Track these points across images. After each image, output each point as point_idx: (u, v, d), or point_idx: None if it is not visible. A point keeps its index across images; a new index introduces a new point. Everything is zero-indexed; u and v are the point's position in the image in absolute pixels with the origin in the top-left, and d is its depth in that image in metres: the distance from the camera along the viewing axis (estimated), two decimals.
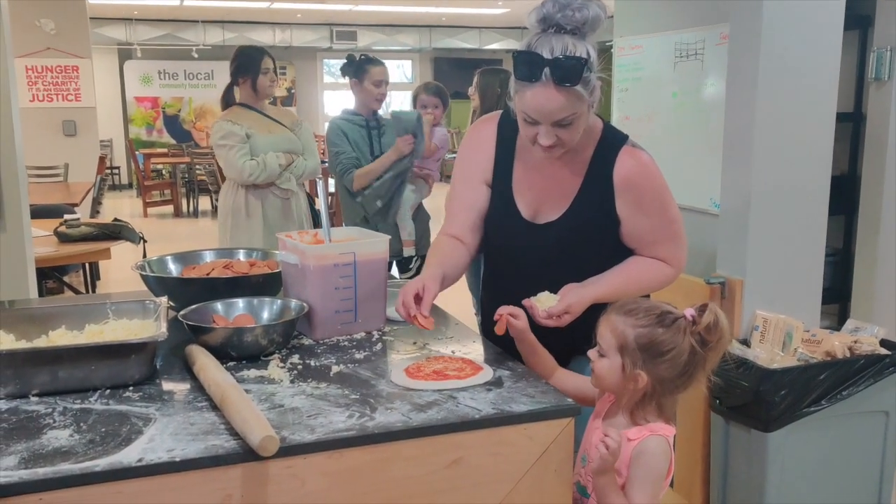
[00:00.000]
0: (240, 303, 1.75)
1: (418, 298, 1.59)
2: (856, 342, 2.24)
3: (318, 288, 1.74)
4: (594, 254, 1.74)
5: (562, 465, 1.40)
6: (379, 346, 1.73)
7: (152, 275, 1.90)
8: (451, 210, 1.84)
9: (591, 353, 1.48)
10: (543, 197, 1.75)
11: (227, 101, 3.51)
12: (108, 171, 14.00)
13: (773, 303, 2.35)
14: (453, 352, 1.68)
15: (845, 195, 3.91)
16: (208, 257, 2.08)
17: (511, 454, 1.36)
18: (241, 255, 2.10)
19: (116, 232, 4.16)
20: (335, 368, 1.57)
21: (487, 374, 1.53)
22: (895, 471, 2.29)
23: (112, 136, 13.71)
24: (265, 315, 1.75)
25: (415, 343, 1.75)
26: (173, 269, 2.02)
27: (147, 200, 10.63)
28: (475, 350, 1.70)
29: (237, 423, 1.24)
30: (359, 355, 1.66)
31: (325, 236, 1.87)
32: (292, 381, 1.50)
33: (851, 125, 3.86)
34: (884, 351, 2.22)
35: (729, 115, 2.39)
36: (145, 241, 4.36)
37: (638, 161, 1.68)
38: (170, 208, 10.87)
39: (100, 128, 11.75)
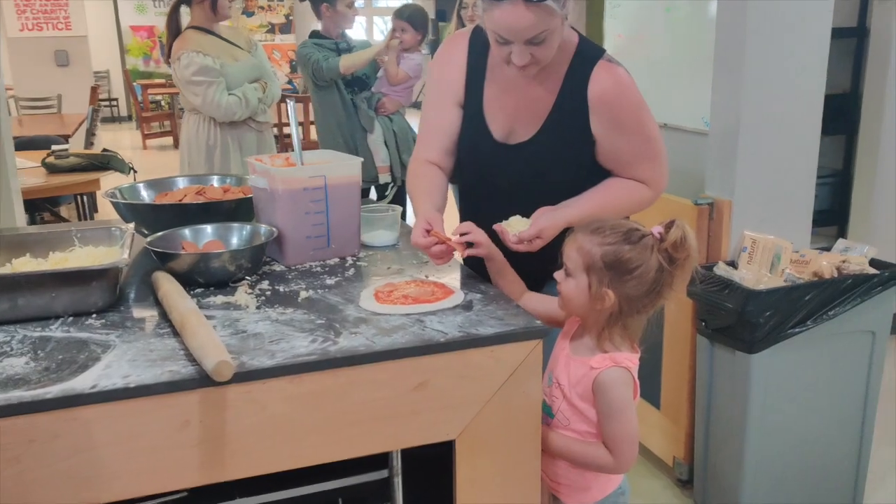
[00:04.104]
0: (208, 229, 1.72)
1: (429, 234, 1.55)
2: (844, 262, 2.20)
3: (288, 213, 1.70)
4: (570, 175, 1.69)
5: (530, 387, 1.38)
6: (352, 271, 1.70)
7: (123, 202, 1.87)
8: (424, 134, 1.79)
9: (558, 275, 1.45)
10: (516, 117, 1.69)
11: (176, 25, 3.25)
12: (107, 103, 13.86)
13: (763, 224, 2.30)
14: (427, 276, 1.65)
15: (847, 114, 3.82)
16: (181, 184, 2.04)
17: (478, 377, 1.35)
18: (215, 182, 2.06)
19: (105, 162, 4.12)
20: (304, 294, 1.54)
21: (458, 297, 1.50)
22: (880, 391, 2.28)
23: (109, 67, 13.50)
24: (234, 241, 1.71)
25: (389, 268, 1.73)
26: (146, 196, 1.99)
27: (146, 132, 10.53)
28: (450, 274, 1.67)
29: (193, 348, 1.22)
30: (330, 281, 1.63)
31: (297, 159, 1.82)
32: (258, 307, 1.47)
33: (855, 41, 3.74)
34: (872, 270, 2.18)
35: (720, 29, 2.29)
36: (135, 172, 4.31)
37: (614, 77, 1.62)
38: (169, 139, 10.77)
39: (96, 59, 11.54)
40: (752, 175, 2.27)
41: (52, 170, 4.02)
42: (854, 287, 2.13)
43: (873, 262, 2.24)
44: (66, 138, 5.25)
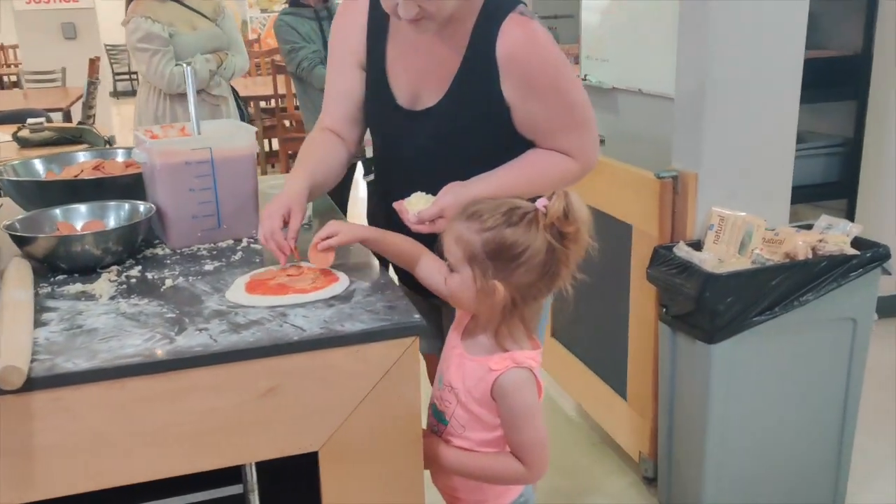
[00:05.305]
0: (82, 208, 1.56)
1: (285, 224, 1.36)
2: (820, 241, 1.97)
3: (169, 190, 1.53)
4: (483, 146, 1.48)
5: (407, 391, 1.20)
6: (239, 255, 1.52)
7: (8, 179, 1.71)
8: (326, 100, 1.60)
9: (442, 271, 1.26)
10: (421, 80, 1.49)
11: None
12: (126, 76, 13.82)
13: (734, 199, 2.07)
14: None
15: (857, 78, 3.53)
16: (82, 158, 1.87)
17: (342, 380, 1.17)
18: (119, 156, 1.89)
19: (78, 136, 3.98)
20: (169, 282, 1.37)
21: (339, 287, 1.32)
22: (862, 385, 2.06)
23: None
24: (111, 221, 1.55)
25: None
26: (42, 171, 1.83)
27: None
28: (347, 257, 1.49)
29: None
30: (209, 266, 1.46)
31: (193, 129, 1.65)
32: (112, 298, 1.31)
33: None
34: (852, 251, 1.95)
35: None
36: (111, 146, 4.18)
37: (526, 32, 1.40)
38: None
39: (116, 33, 11.45)
40: (721, 145, 2.05)
41: (23, 144, 3.89)
42: (830, 269, 1.90)
43: (856, 242, 2.00)
44: (51, 111, 5.14)
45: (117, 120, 9.60)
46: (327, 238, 1.35)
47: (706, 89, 2.01)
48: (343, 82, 1.57)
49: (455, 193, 1.40)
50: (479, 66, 1.43)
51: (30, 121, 4.12)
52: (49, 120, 4.61)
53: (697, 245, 2.05)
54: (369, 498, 1.23)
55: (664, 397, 2.14)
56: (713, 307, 1.85)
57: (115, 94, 12.51)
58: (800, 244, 1.96)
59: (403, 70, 1.51)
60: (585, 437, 2.63)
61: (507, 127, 1.48)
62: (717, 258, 1.95)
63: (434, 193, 1.44)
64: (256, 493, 1.23)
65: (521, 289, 1.20)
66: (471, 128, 1.47)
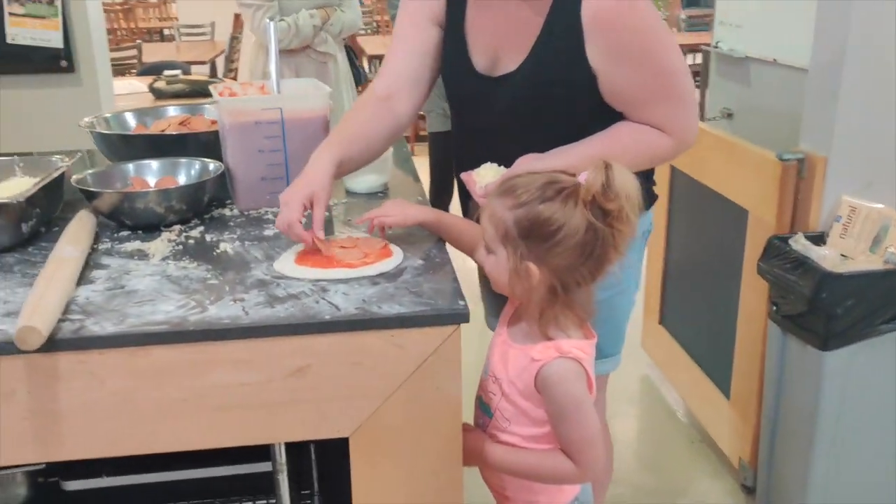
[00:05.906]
0: (154, 164, 1.54)
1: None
2: None
3: (238, 150, 1.49)
4: (565, 117, 1.35)
5: (446, 383, 1.11)
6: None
7: (95, 131, 1.73)
8: (388, 58, 1.47)
9: (479, 252, 1.15)
10: (501, 43, 1.36)
11: None
12: None
13: (870, 188, 1.82)
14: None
15: None
16: (172, 112, 1.87)
17: (376, 366, 1.09)
18: (208, 112, 1.88)
19: (207, 89, 4.11)
20: (224, 246, 1.33)
21: (391, 263, 1.24)
22: None
23: None
24: (182, 178, 1.53)
25: (349, 221, 1.48)
26: (133, 124, 1.85)
27: None
28: (413, 231, 1.39)
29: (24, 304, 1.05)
30: (269, 232, 1.41)
31: (273, 88, 1.60)
32: (164, 259, 1.28)
33: None
34: None
35: None
36: None
37: None
38: None
39: None
40: (857, 125, 1.79)
41: (158, 95, 4.05)
42: None
43: None
44: (191, 64, 5.33)
45: None
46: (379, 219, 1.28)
47: (845, 60, 1.75)
48: (414, 37, 1.44)
49: (527, 167, 1.27)
50: (562, 28, 1.28)
51: (166, 73, 4.28)
52: (186, 72, 4.79)
53: (820, 238, 1.82)
54: (403, 493, 1.16)
55: (769, 402, 1.93)
56: (830, 310, 1.64)
57: None
58: None
59: (484, 31, 1.38)
60: (685, 434, 2.45)
61: (593, 96, 1.33)
62: (839, 254, 1.72)
63: (509, 166, 1.32)
64: (285, 473, 1.18)
65: (560, 273, 1.08)
66: (552, 96, 1.34)
